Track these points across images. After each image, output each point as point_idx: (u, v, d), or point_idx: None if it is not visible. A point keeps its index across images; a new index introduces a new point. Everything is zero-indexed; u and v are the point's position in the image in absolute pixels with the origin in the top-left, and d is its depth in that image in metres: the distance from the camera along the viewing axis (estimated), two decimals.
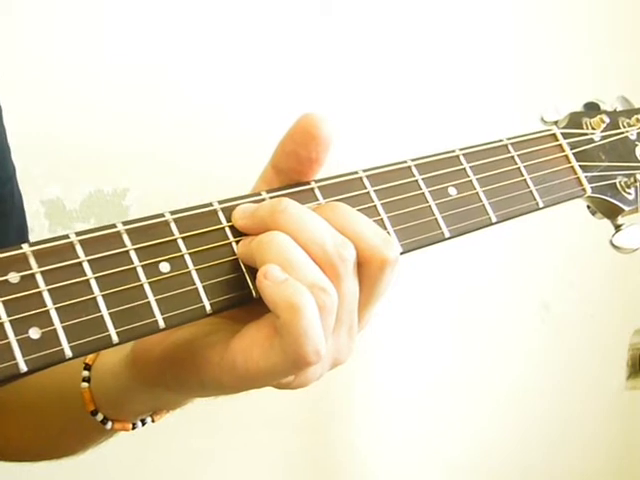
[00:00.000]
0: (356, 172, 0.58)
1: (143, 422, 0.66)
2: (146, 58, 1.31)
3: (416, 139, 1.50)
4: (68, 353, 0.46)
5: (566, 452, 1.84)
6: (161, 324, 0.49)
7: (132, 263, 0.49)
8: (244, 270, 0.52)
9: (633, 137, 0.70)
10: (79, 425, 0.67)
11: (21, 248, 0.46)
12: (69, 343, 0.46)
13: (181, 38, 1.34)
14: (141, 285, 0.48)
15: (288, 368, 0.50)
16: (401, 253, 0.57)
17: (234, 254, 0.52)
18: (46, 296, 0.46)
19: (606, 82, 1.65)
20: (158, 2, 1.32)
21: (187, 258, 0.50)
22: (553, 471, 1.83)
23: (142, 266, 0.49)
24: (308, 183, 0.56)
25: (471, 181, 0.62)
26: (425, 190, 0.60)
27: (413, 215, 0.58)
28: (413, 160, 0.60)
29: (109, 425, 0.65)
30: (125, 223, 0.49)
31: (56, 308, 0.46)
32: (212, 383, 0.53)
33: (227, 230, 0.53)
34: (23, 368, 0.44)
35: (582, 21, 1.73)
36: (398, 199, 0.58)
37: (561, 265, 1.74)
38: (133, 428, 0.66)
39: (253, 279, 0.51)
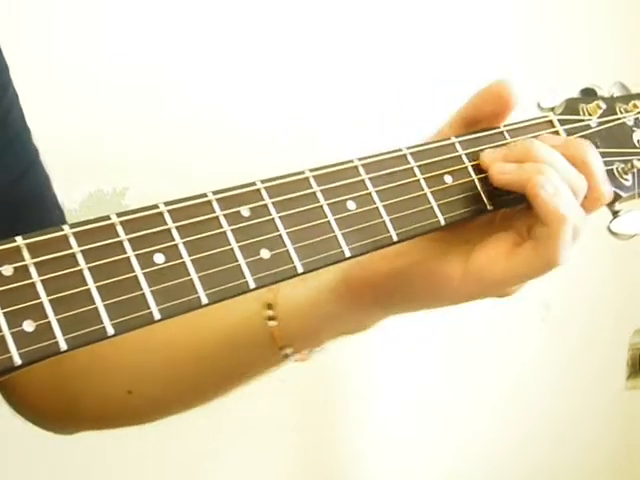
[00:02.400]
0: (351, 161, 0.58)
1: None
2: (146, 58, 1.31)
3: (417, 135, 1.50)
4: (63, 345, 0.45)
5: (566, 452, 1.84)
6: (156, 315, 0.48)
7: (126, 254, 0.48)
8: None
9: (630, 123, 0.70)
10: (247, 364, 0.71)
11: (14, 241, 0.46)
12: (64, 335, 0.45)
13: (181, 38, 1.34)
14: (135, 276, 0.48)
15: (535, 272, 0.60)
16: (396, 242, 0.58)
17: (229, 243, 0.52)
18: (40, 288, 0.45)
19: (603, 68, 1.65)
20: (158, 2, 1.32)
21: (181, 248, 0.50)
22: (553, 471, 1.83)
23: (136, 256, 0.48)
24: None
25: (466, 168, 0.62)
26: (420, 177, 0.60)
27: (411, 203, 0.59)
28: (408, 148, 0.61)
29: (293, 358, 0.69)
30: (119, 215, 0.49)
31: (50, 300, 0.45)
32: (451, 295, 0.62)
33: (222, 219, 0.52)
34: (17, 361, 0.44)
35: (580, 10, 1.73)
36: (394, 185, 0.59)
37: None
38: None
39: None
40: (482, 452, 1.75)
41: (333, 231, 0.56)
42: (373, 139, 1.50)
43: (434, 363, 1.66)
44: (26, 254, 0.46)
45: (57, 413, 0.79)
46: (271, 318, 0.68)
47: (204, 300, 0.50)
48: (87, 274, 0.47)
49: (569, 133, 0.68)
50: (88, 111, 1.27)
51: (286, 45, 1.43)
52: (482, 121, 0.65)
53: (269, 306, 0.68)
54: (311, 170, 0.56)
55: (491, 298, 0.63)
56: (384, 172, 0.59)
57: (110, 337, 0.47)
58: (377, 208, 0.58)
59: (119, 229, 0.49)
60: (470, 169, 0.62)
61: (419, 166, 0.60)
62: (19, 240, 0.46)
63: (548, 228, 0.58)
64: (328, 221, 0.56)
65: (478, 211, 0.62)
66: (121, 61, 1.29)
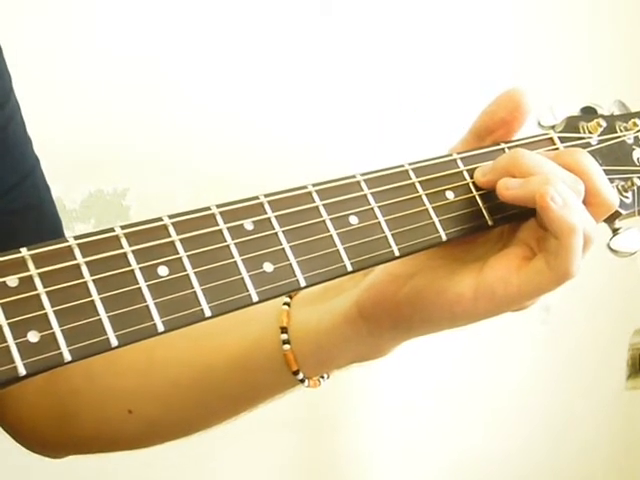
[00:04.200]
0: (354, 176, 0.59)
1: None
2: (146, 58, 1.31)
3: (416, 140, 1.50)
4: (67, 356, 0.46)
5: (566, 452, 1.84)
6: (160, 327, 0.49)
7: (130, 266, 0.49)
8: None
9: (630, 141, 0.70)
10: (258, 388, 0.72)
11: (19, 252, 0.46)
12: (68, 346, 0.46)
13: (181, 38, 1.34)
14: (139, 288, 0.48)
15: (548, 285, 0.59)
16: (398, 257, 0.58)
17: (232, 256, 0.52)
18: (44, 299, 0.46)
19: (604, 86, 1.65)
20: (162, 3, 1.32)
21: (185, 261, 0.50)
22: (553, 471, 1.83)
23: (140, 269, 0.49)
24: (305, 187, 0.57)
25: (468, 184, 0.63)
26: (422, 193, 0.60)
27: (413, 219, 0.59)
28: (410, 164, 0.61)
29: (306, 383, 0.68)
30: (124, 227, 0.49)
31: (55, 311, 0.46)
32: (465, 313, 0.60)
33: (225, 232, 0.53)
34: (22, 372, 0.44)
35: (582, 25, 1.73)
36: (396, 201, 0.59)
37: None
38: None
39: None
40: (482, 452, 1.75)
41: (335, 245, 0.56)
42: (373, 139, 1.51)
43: (434, 364, 1.66)
44: (31, 265, 0.46)
45: (51, 433, 0.78)
46: (285, 342, 0.68)
47: (207, 313, 0.50)
48: (91, 286, 0.47)
49: None
50: (88, 111, 1.27)
51: (286, 45, 1.43)
52: (494, 131, 0.64)
53: (283, 330, 0.68)
54: (314, 185, 0.56)
55: (507, 313, 0.62)
56: (386, 187, 0.59)
57: (114, 348, 0.48)
58: (379, 223, 0.58)
59: (123, 241, 0.49)
60: (471, 185, 0.62)
61: (421, 182, 0.60)
62: (24, 251, 0.46)
63: (559, 239, 0.57)
64: (330, 235, 0.56)
65: (479, 227, 0.62)
66: (122, 61, 1.29)
